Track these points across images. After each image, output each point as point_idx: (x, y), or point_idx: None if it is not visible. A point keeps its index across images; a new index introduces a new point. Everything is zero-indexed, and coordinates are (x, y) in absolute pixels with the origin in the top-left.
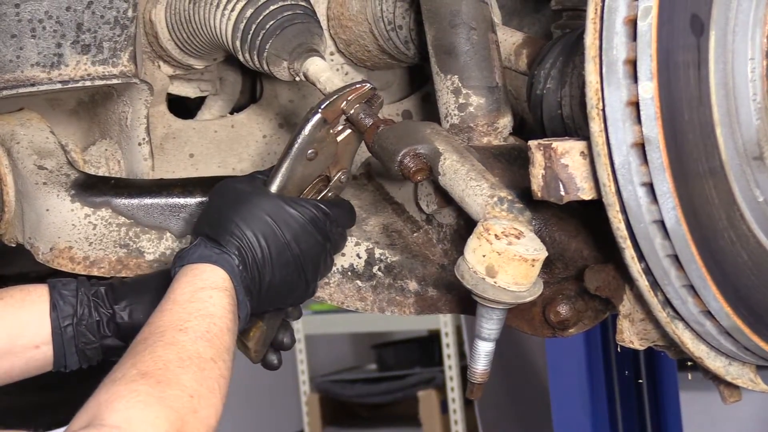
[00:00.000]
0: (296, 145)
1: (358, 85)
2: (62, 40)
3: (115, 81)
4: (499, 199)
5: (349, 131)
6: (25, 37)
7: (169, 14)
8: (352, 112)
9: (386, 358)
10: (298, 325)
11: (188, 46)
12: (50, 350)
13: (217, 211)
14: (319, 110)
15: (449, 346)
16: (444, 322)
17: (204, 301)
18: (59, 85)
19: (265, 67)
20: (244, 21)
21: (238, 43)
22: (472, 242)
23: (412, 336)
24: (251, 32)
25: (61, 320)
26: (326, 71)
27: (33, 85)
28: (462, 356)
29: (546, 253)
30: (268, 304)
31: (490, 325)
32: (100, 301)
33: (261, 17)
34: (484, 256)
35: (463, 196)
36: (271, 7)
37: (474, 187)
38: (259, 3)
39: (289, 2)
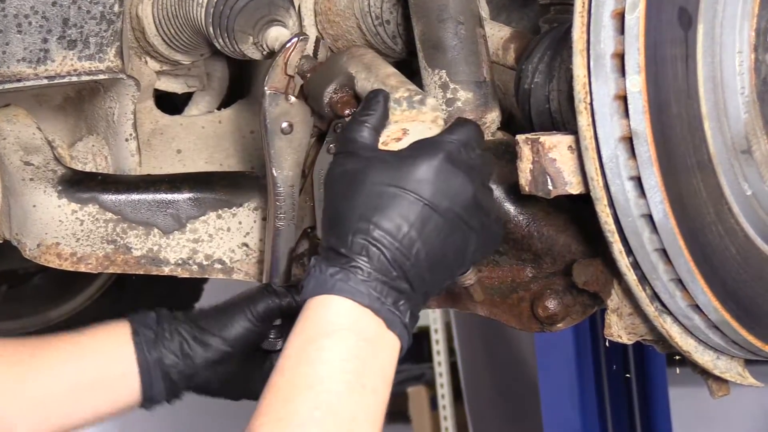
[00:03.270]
0: (266, 129)
1: (288, 45)
2: (48, 36)
3: (101, 76)
4: (396, 102)
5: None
6: (11, 32)
7: (155, 10)
8: (298, 72)
9: None
10: None
11: (175, 42)
12: (136, 380)
13: (331, 209)
14: (266, 87)
15: (438, 343)
16: (433, 319)
17: (311, 362)
18: (45, 81)
19: (236, 48)
20: (214, 4)
21: (211, 29)
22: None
23: None
24: (221, 14)
25: (144, 344)
26: (282, 35)
27: (19, 80)
28: (452, 352)
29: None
30: (442, 279)
31: None
32: (182, 324)
33: (225, 1)
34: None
35: None
36: None
37: None
38: None
39: None
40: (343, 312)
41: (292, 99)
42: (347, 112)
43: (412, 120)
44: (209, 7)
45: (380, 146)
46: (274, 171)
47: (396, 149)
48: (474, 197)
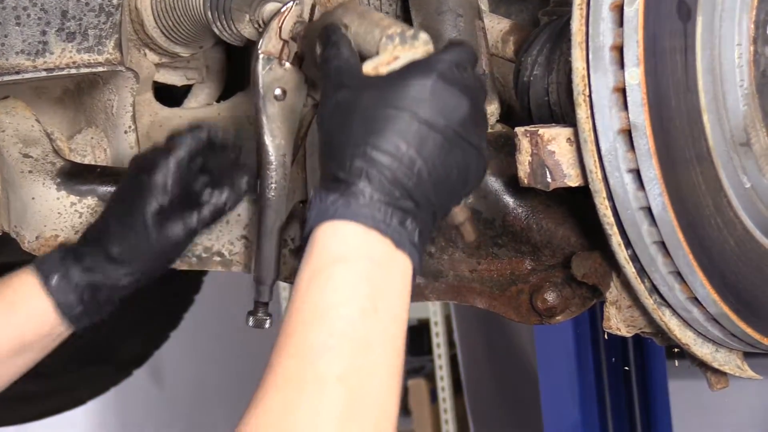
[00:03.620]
0: (258, 95)
1: (283, 9)
2: (47, 28)
3: (100, 69)
4: (388, 38)
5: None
6: (10, 24)
7: (154, 2)
8: (292, 37)
9: None
10: (285, 293)
11: (174, 34)
12: (61, 332)
13: (327, 141)
14: (259, 51)
15: (438, 335)
16: (433, 312)
17: (321, 291)
18: (44, 73)
19: (233, 29)
20: None
21: (209, 13)
22: None
23: None
24: None
25: (69, 309)
26: (280, 4)
27: (18, 73)
28: (452, 345)
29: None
30: (448, 200)
31: None
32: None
33: None
34: None
35: (369, 50)
36: None
37: (370, 38)
38: None
39: None
40: (348, 237)
41: (286, 65)
42: None
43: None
44: None
45: (371, 71)
46: (266, 139)
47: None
48: (470, 115)
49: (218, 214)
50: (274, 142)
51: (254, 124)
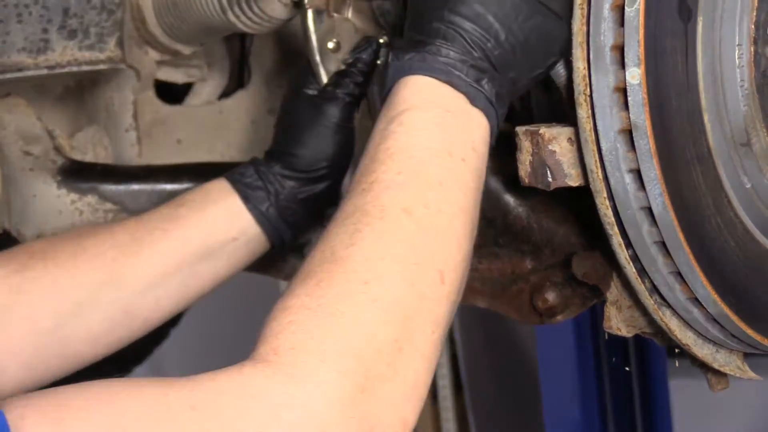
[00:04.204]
0: (314, 50)
1: None
2: (49, 26)
3: (101, 66)
4: None
5: (350, 0)
6: (12, 22)
7: None
8: None
9: None
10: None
11: (175, 31)
12: (252, 239)
13: (411, 9)
14: (306, 5)
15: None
16: None
17: (392, 136)
18: (46, 71)
19: (256, 9)
20: None
21: (225, 0)
22: None
23: None
24: None
25: (261, 207)
26: None
27: (19, 70)
28: (452, 344)
29: None
30: (529, 67)
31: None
32: (286, 172)
33: None
34: None
35: None
36: None
37: None
38: None
39: None
40: (422, 88)
41: (336, 16)
42: None
43: None
44: None
45: None
46: None
47: None
48: None
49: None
50: None
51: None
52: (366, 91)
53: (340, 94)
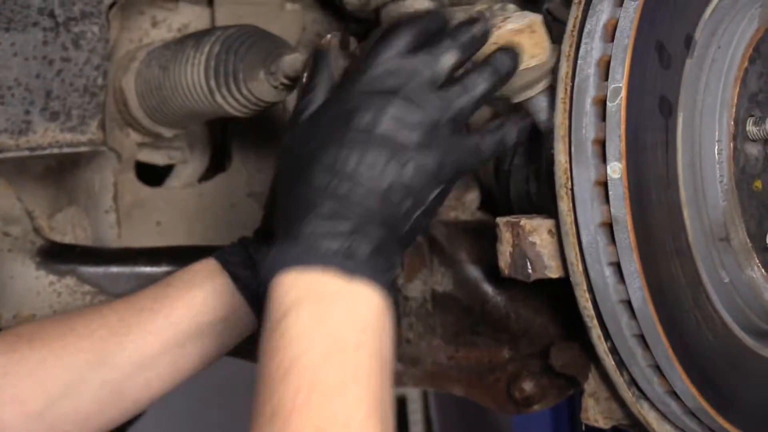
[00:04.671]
0: None
1: (322, 42)
2: (31, 107)
3: (83, 149)
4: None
5: None
6: None
7: (139, 82)
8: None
9: None
10: None
11: (158, 114)
12: (242, 318)
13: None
14: (304, 84)
15: (415, 412)
16: (410, 389)
17: (280, 349)
18: (27, 152)
19: (242, 90)
20: (214, 57)
21: (212, 82)
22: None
23: None
24: (223, 62)
25: (251, 287)
26: (300, 58)
27: (0, 151)
28: (428, 423)
29: (540, 15)
30: (413, 205)
31: (543, 114)
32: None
33: (229, 46)
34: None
35: None
36: (236, 36)
37: None
38: (225, 37)
39: (251, 28)
40: (290, 285)
41: None
42: None
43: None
44: (209, 61)
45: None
46: None
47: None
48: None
49: None
50: None
51: None
52: None
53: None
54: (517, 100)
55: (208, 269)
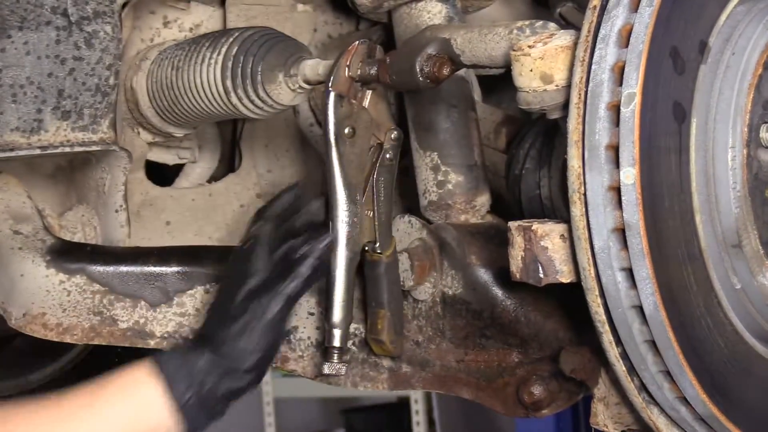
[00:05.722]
0: (330, 132)
1: (349, 48)
2: (43, 106)
3: (94, 148)
4: (519, 30)
5: (369, 91)
6: (6, 101)
7: (150, 82)
8: (359, 72)
9: (355, 423)
10: (267, 388)
11: (168, 114)
12: (170, 429)
13: None
14: (330, 88)
15: (418, 413)
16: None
17: None
18: (38, 151)
19: (259, 92)
20: (232, 58)
21: (228, 82)
22: (516, 69)
23: (381, 402)
24: (241, 63)
25: (182, 398)
26: (322, 62)
27: (12, 150)
28: (431, 423)
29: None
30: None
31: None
32: (211, 364)
33: (248, 48)
34: (531, 70)
35: (491, 53)
36: (255, 38)
37: (492, 39)
38: (243, 38)
39: (269, 30)
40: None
41: (354, 102)
42: (445, 72)
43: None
44: (226, 61)
45: (530, 50)
46: (336, 178)
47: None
48: None
49: (310, 282)
50: (345, 181)
51: (325, 163)
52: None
53: (281, 288)
54: (552, 117)
55: (143, 376)
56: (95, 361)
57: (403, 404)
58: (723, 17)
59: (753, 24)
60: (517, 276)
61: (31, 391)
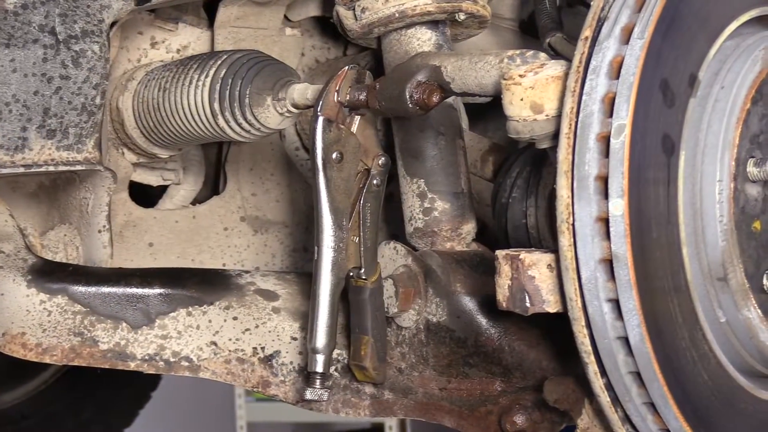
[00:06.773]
0: (318, 157)
1: (339, 73)
2: (28, 124)
3: (79, 167)
4: (510, 59)
5: (357, 117)
6: None
7: (136, 102)
8: (348, 97)
9: None
10: (240, 412)
11: (154, 135)
12: None
13: None
14: (318, 112)
15: None
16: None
17: None
18: (22, 169)
19: (247, 115)
20: (220, 81)
21: (216, 105)
22: (506, 98)
23: (355, 428)
24: (229, 86)
25: None
26: (310, 87)
27: None
28: None
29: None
30: None
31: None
32: None
33: (236, 71)
34: (522, 99)
35: (481, 81)
36: (244, 61)
37: (483, 67)
38: (231, 61)
39: (258, 54)
40: None
41: (342, 127)
42: (435, 99)
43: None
44: (214, 84)
45: (521, 79)
46: (323, 203)
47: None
48: None
49: None
50: (332, 206)
51: (312, 187)
52: None
53: None
54: (542, 146)
55: None
56: (68, 382)
57: (377, 430)
58: (712, 52)
59: (741, 59)
60: (504, 305)
61: (4, 411)
